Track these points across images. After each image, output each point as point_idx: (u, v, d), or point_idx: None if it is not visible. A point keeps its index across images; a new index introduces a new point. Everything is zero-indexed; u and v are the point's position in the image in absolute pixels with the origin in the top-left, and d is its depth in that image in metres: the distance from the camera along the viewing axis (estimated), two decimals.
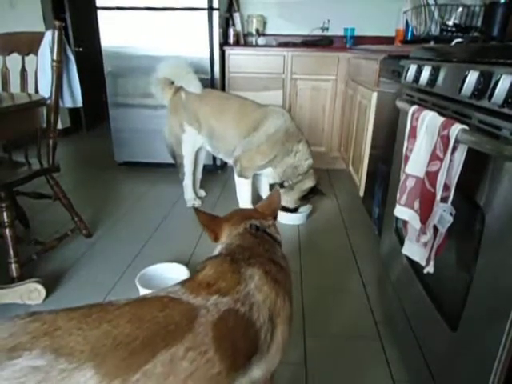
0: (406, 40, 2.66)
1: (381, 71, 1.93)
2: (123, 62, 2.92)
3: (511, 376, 0.71)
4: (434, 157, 0.89)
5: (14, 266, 1.54)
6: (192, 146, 2.41)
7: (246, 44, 3.42)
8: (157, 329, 0.61)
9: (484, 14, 1.75)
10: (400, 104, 1.24)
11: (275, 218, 1.04)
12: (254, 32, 3.43)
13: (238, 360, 0.68)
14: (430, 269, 0.94)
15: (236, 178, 2.27)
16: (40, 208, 2.32)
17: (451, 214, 0.86)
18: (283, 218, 2.25)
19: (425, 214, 0.91)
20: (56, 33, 1.67)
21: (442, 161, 0.85)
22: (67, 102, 1.87)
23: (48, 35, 1.70)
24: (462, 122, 0.82)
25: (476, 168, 0.81)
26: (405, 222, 1.04)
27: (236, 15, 3.33)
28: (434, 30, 1.98)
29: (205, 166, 2.68)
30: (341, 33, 3.45)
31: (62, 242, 1.89)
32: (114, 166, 3.23)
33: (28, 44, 1.79)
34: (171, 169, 2.83)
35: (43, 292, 1.52)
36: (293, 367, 1.25)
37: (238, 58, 3.07)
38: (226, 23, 3.32)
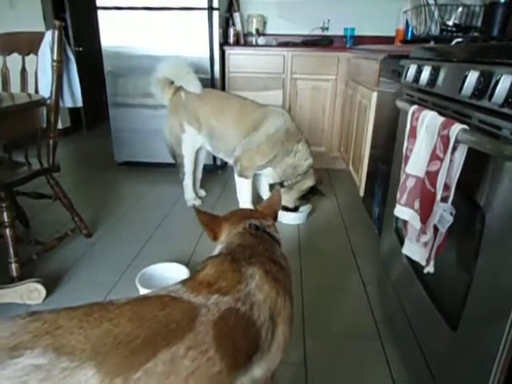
0: (406, 40, 2.65)
1: (381, 71, 1.93)
2: (123, 61, 2.92)
3: (511, 376, 0.71)
4: (434, 157, 0.89)
5: (14, 266, 1.54)
6: (192, 145, 2.41)
7: (246, 44, 3.42)
8: (158, 328, 0.61)
9: (484, 14, 1.75)
10: (400, 104, 1.24)
11: (275, 218, 1.04)
12: (254, 32, 3.43)
13: (239, 359, 0.68)
14: (430, 269, 0.94)
15: (236, 177, 2.28)
16: (40, 208, 2.32)
17: (451, 213, 0.86)
18: (283, 217, 2.25)
19: (425, 213, 0.91)
20: (56, 32, 1.67)
21: (442, 161, 0.85)
22: (67, 102, 1.87)
23: (48, 35, 1.70)
24: (462, 122, 0.82)
25: (476, 168, 0.81)
26: (405, 222, 1.04)
27: (236, 15, 3.33)
28: (434, 29, 1.98)
29: (205, 166, 2.69)
30: (341, 33, 3.45)
31: (62, 242, 1.89)
32: (114, 166, 3.23)
33: (28, 44, 1.79)
34: (171, 169, 2.83)
35: (43, 292, 1.52)
36: (293, 367, 1.25)
37: (238, 57, 3.07)
38: (226, 23, 3.32)
